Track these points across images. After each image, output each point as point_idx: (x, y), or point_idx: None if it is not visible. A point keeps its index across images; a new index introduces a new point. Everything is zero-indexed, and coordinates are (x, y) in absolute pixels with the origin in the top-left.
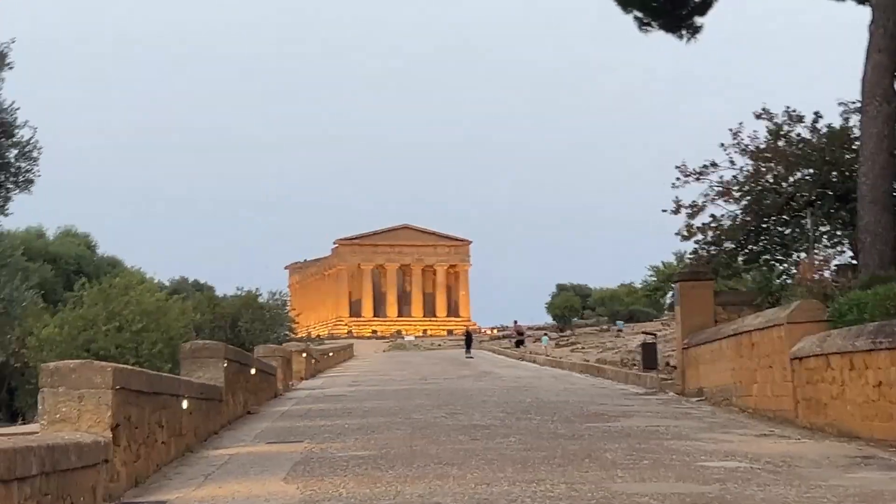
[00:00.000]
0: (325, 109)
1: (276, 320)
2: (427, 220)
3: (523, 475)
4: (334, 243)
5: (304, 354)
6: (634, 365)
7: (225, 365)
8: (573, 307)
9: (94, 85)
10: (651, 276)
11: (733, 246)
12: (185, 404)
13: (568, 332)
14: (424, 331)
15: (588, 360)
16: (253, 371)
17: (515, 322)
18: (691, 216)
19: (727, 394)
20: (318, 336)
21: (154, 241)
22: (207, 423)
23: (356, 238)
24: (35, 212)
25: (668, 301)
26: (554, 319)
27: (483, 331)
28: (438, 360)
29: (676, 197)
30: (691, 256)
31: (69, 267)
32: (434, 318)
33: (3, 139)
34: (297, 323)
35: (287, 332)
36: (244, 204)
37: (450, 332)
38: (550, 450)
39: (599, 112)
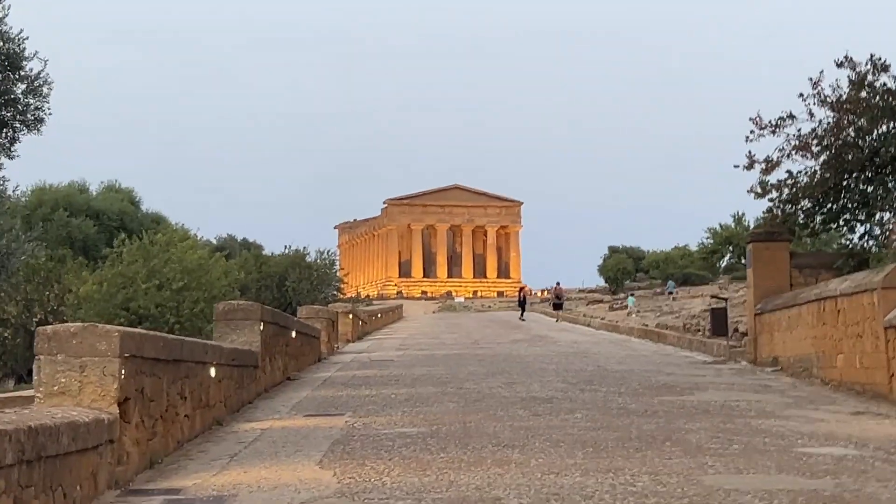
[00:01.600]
0: (377, 68)
1: (323, 280)
2: (478, 180)
3: (596, 462)
4: (384, 203)
5: (351, 316)
6: (698, 331)
7: (261, 328)
8: (626, 270)
9: (147, 43)
10: (708, 238)
11: (810, 204)
12: (212, 372)
13: (621, 295)
14: (475, 292)
15: (647, 325)
16: (293, 334)
17: (557, 284)
18: (766, 171)
19: (807, 364)
20: (368, 296)
21: (203, 200)
22: (241, 392)
23: (406, 198)
24: (82, 169)
25: (723, 264)
26: (606, 282)
27: (534, 293)
28: (490, 322)
29: (749, 151)
30: (766, 215)
31: (112, 223)
32: (484, 280)
33: (8, 72)
34: (346, 283)
35: (335, 292)
36: (296, 163)
37: (500, 293)
38: (623, 429)
39: (655, 67)
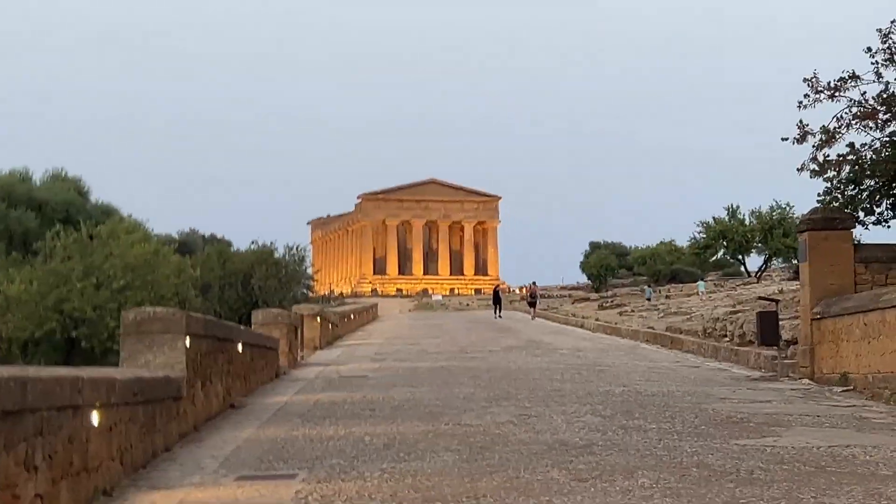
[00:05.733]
0: (350, 59)
1: (293, 277)
2: (455, 175)
3: None
4: (358, 198)
5: (319, 319)
6: (724, 336)
7: (187, 343)
8: (609, 266)
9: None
10: (700, 232)
11: (876, 184)
12: (95, 419)
13: (610, 294)
14: (451, 289)
15: (653, 328)
16: (240, 347)
17: (533, 283)
18: (822, 145)
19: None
20: (342, 294)
21: (170, 194)
22: (152, 437)
23: (381, 193)
24: (36, 159)
25: (714, 259)
26: (589, 279)
27: (512, 290)
28: (472, 323)
29: (801, 121)
30: (823, 198)
31: (56, 215)
32: (461, 277)
33: None
34: (317, 280)
35: (305, 291)
36: (269, 157)
37: (477, 291)
38: None
39: (639, 56)
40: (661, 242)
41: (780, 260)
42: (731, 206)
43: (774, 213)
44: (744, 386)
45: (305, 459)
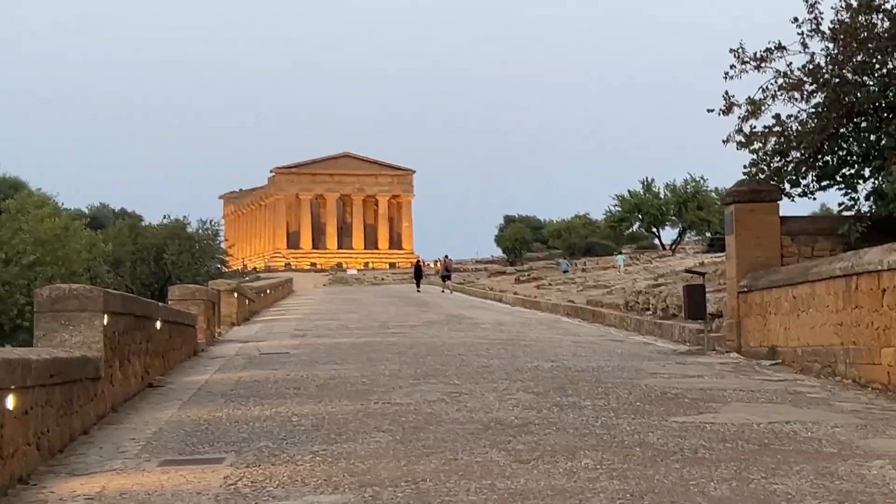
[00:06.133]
0: (265, 32)
1: (206, 252)
2: (370, 149)
3: None
4: (271, 172)
5: (236, 295)
6: (647, 310)
7: (104, 322)
8: (524, 240)
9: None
10: (615, 205)
11: (801, 156)
12: (10, 402)
13: (526, 267)
14: (366, 263)
15: (574, 302)
16: (158, 324)
17: (446, 256)
18: (748, 116)
19: (828, 359)
20: (255, 269)
21: (80, 168)
22: (69, 421)
23: (294, 167)
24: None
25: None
26: (504, 253)
27: (428, 264)
28: (390, 297)
29: (727, 92)
30: (749, 169)
31: None
32: (376, 251)
33: None
34: (231, 255)
35: (219, 266)
36: (180, 131)
37: (392, 265)
38: (679, 495)
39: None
40: (577, 216)
41: (693, 233)
42: (646, 179)
43: (689, 187)
44: (672, 360)
45: (232, 442)
